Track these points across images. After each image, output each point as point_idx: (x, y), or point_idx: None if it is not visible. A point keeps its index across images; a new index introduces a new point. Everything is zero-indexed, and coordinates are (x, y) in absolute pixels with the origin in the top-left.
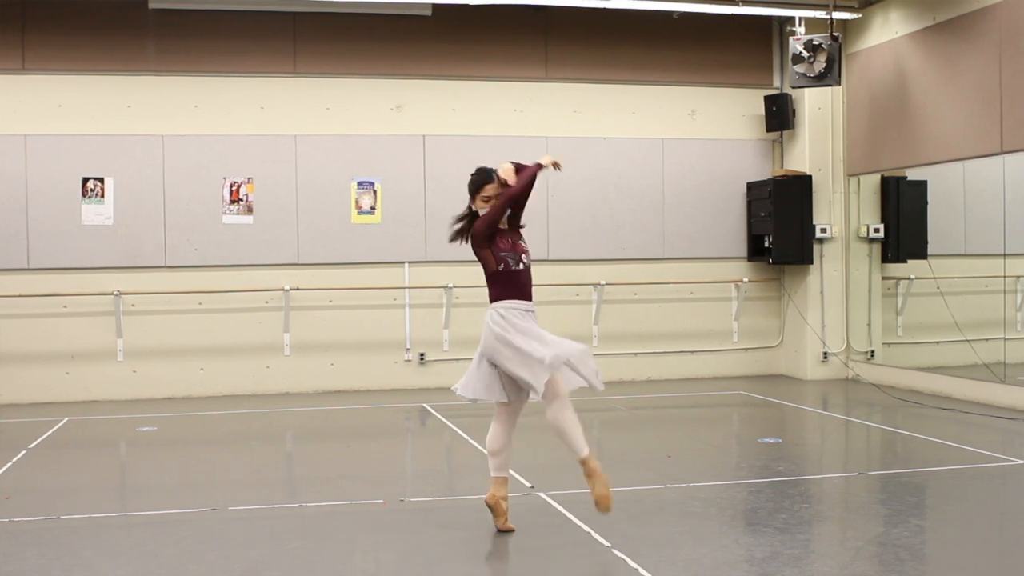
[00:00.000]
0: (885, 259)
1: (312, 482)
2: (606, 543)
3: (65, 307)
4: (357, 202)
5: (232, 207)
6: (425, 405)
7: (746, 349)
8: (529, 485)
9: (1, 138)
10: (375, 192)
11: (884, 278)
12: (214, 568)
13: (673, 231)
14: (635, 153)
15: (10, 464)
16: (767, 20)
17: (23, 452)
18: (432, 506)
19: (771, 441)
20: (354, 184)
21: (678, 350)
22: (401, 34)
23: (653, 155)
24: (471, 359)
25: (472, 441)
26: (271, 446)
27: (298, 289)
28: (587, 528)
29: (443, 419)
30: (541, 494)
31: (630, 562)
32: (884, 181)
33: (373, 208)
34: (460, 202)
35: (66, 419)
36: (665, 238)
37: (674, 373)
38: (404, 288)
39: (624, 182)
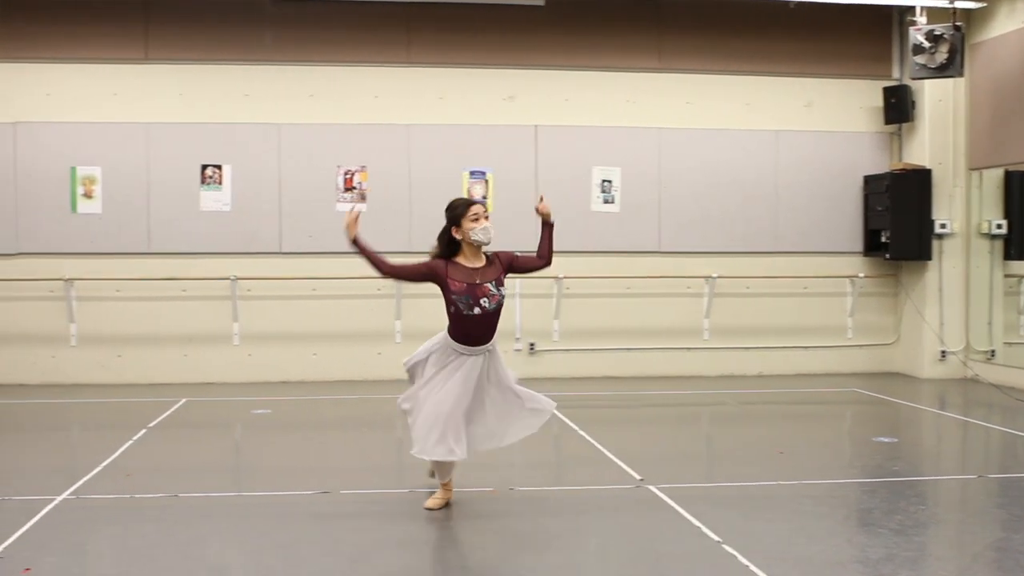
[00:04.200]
0: (1008, 256)
1: (421, 468)
2: (716, 538)
3: (184, 291)
4: (469, 191)
5: (346, 195)
6: None
7: (861, 346)
8: (639, 478)
9: (125, 126)
10: (487, 182)
11: (1006, 276)
12: (325, 549)
13: (786, 225)
14: (748, 145)
15: (131, 442)
16: (886, 9)
17: (143, 431)
18: (540, 496)
19: (886, 440)
20: (466, 174)
21: (790, 345)
22: (514, 24)
23: (767, 147)
24: (581, 350)
25: (582, 432)
26: (381, 432)
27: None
28: (697, 522)
29: (553, 410)
30: (651, 487)
31: (740, 558)
32: (1008, 176)
33: (484, 198)
34: (573, 192)
35: (184, 400)
36: (778, 232)
37: (786, 368)
38: (515, 277)
39: (737, 174)
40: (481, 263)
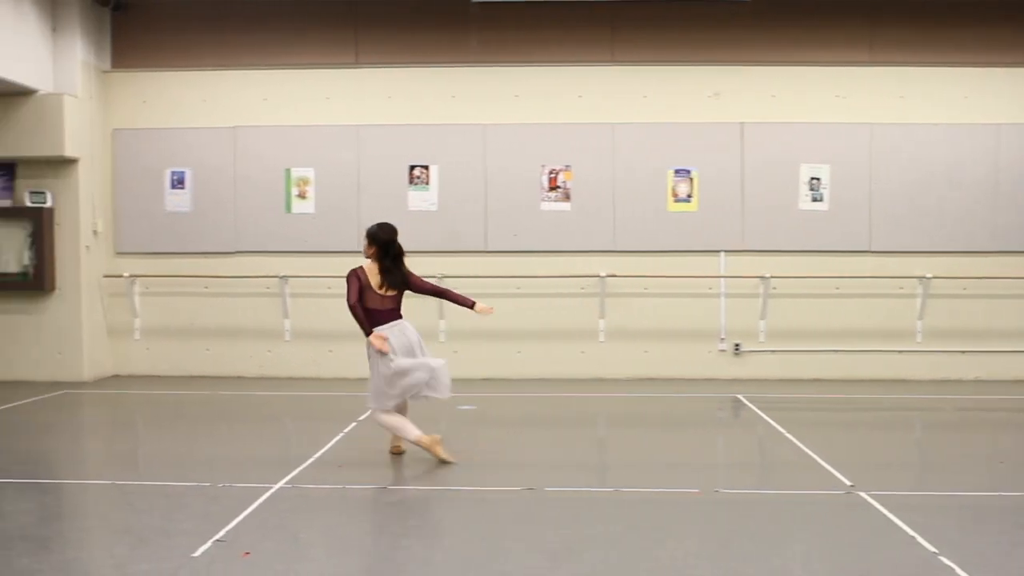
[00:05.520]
0: None
1: (625, 467)
2: (932, 549)
3: None
4: (674, 190)
5: (550, 194)
6: (740, 396)
7: None
8: (849, 483)
9: (337, 128)
10: (691, 180)
11: None
12: (530, 546)
13: (1007, 223)
14: (966, 140)
15: (341, 435)
16: None
17: (353, 424)
18: (746, 499)
19: None
20: (671, 172)
21: (1012, 349)
22: (719, 20)
23: (986, 142)
24: (788, 351)
25: (788, 435)
26: (585, 430)
27: (614, 276)
28: (912, 532)
29: (758, 411)
30: (862, 493)
31: (958, 570)
32: None
33: (690, 196)
34: (780, 190)
35: None
36: (997, 230)
37: (1007, 374)
38: (720, 277)
39: (953, 171)
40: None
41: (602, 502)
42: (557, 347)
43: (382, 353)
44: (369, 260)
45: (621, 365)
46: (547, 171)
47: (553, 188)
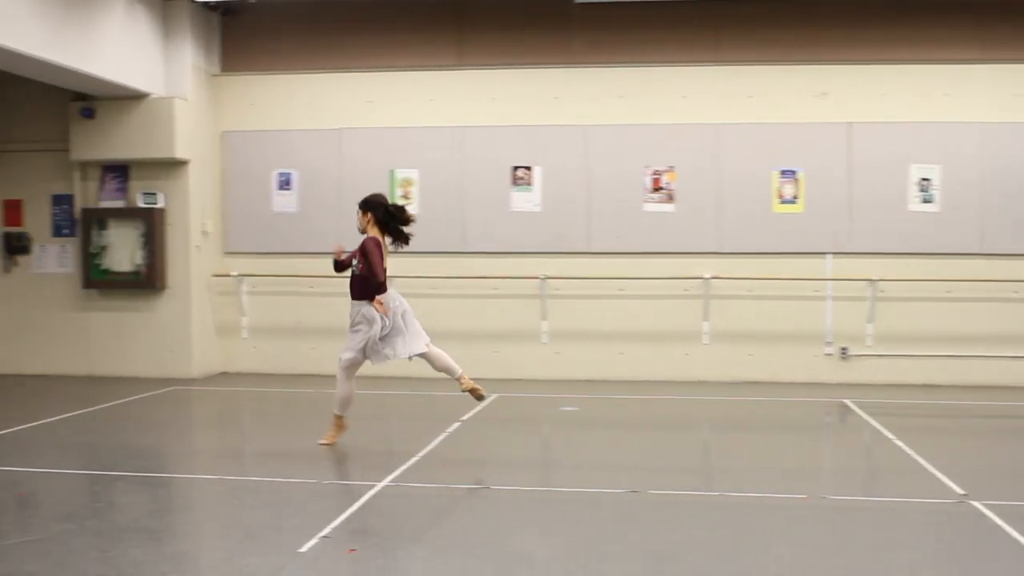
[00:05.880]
0: None
1: (729, 471)
2: None
3: (495, 289)
4: (779, 191)
5: (653, 195)
6: (846, 401)
7: None
8: (961, 492)
9: (440, 130)
10: (797, 181)
11: None
12: (633, 548)
13: None
14: None
15: (445, 434)
16: None
17: (457, 424)
18: (854, 506)
19: None
20: (776, 173)
21: None
22: (826, 18)
23: None
24: (897, 355)
25: (897, 441)
26: (688, 432)
27: (717, 278)
28: None
29: (865, 416)
30: (975, 502)
31: None
32: None
33: (795, 197)
34: (888, 191)
35: (495, 395)
36: None
37: None
38: (826, 280)
39: None
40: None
41: (706, 506)
42: (660, 349)
43: (382, 317)
44: (359, 229)
45: (725, 368)
46: (650, 172)
47: (657, 189)
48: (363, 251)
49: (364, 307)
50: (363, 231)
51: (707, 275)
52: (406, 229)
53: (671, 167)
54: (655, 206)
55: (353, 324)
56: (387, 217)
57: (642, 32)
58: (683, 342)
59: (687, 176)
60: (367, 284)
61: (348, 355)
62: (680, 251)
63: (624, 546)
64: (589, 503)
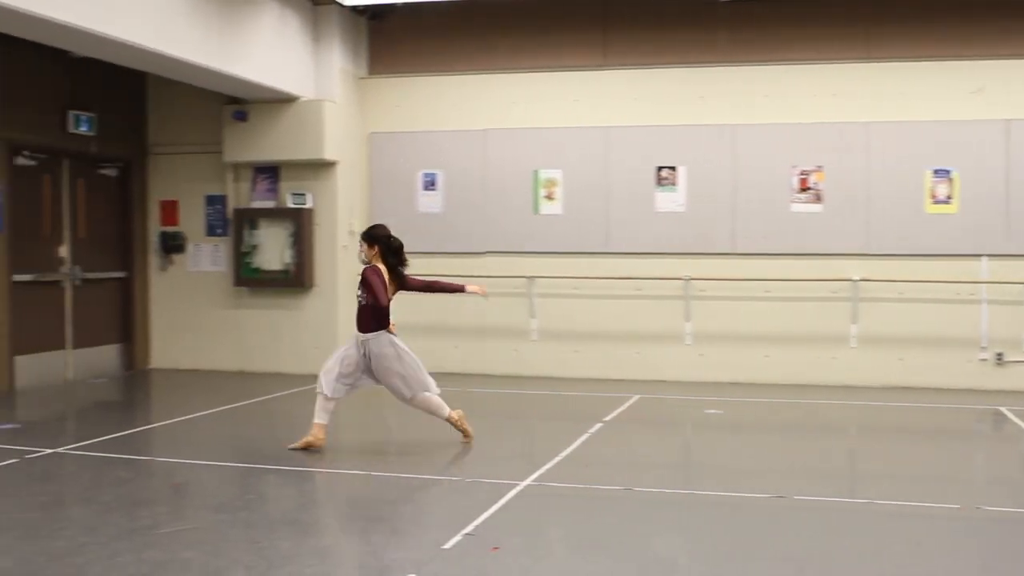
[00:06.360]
0: None
1: (878, 478)
2: None
3: (638, 290)
4: (932, 191)
5: (800, 195)
6: (1001, 408)
7: None
8: None
9: (585, 130)
10: (951, 181)
11: None
12: (777, 554)
13: None
14: None
15: (587, 435)
16: None
17: (599, 425)
18: (1011, 518)
19: None
20: (929, 172)
21: None
22: (982, 11)
23: None
24: None
25: None
26: (835, 438)
27: (867, 280)
28: None
29: (1022, 424)
30: None
31: None
32: None
33: (949, 198)
34: None
35: (637, 396)
36: None
37: None
38: (981, 283)
39: None
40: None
41: (853, 513)
42: (806, 352)
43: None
44: (371, 262)
45: (873, 372)
46: (798, 172)
47: (804, 189)
48: (365, 281)
49: (383, 337)
50: (367, 262)
51: (855, 277)
52: (401, 268)
53: (819, 167)
54: (802, 206)
55: (385, 359)
56: (387, 251)
57: (789, 29)
58: (830, 345)
59: (835, 176)
60: (377, 314)
61: (414, 391)
62: (827, 252)
63: (768, 552)
64: (733, 507)
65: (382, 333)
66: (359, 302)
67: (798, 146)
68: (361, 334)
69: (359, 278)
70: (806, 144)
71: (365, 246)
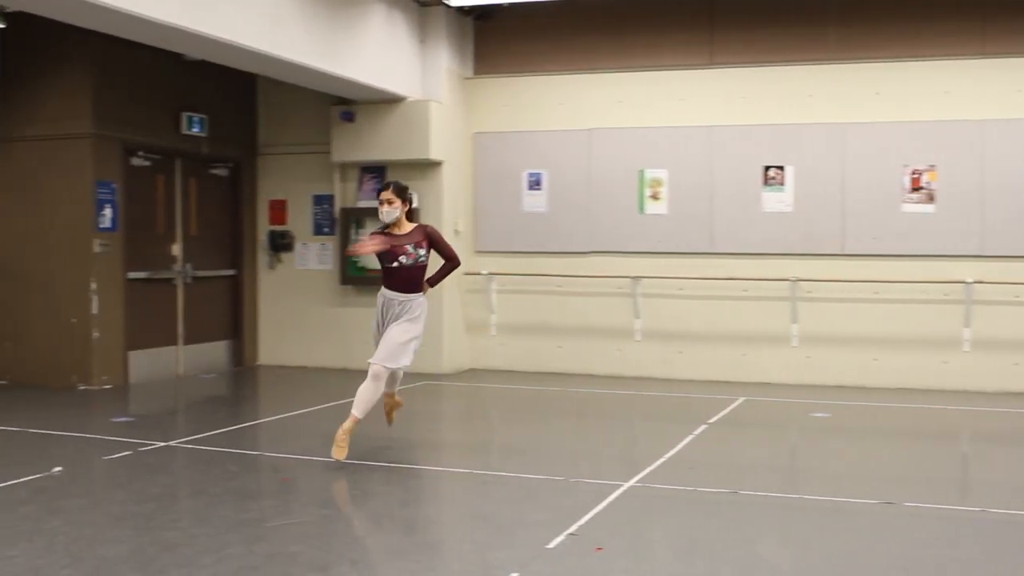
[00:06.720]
0: None
1: (991, 486)
2: None
3: (744, 291)
4: None
5: (912, 195)
6: None
7: None
8: None
9: (690, 129)
10: None
11: None
12: (884, 562)
13: None
14: None
15: (691, 437)
16: None
17: (703, 426)
18: None
19: None
20: None
21: None
22: None
23: None
24: None
25: None
26: (947, 444)
27: (981, 283)
28: None
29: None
30: None
31: None
32: None
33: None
34: None
35: (742, 398)
36: None
37: None
38: None
39: None
40: (404, 231)
41: (965, 522)
42: (917, 356)
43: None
44: (395, 218)
45: (988, 377)
46: (909, 171)
47: (916, 189)
48: (431, 239)
49: (422, 299)
50: (391, 220)
51: (969, 279)
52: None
53: (932, 166)
54: (914, 207)
55: (413, 315)
56: (411, 210)
57: (900, 25)
58: (942, 349)
59: (949, 175)
60: (421, 275)
61: (406, 362)
62: (940, 254)
63: (875, 560)
64: (839, 513)
65: (421, 295)
66: (413, 262)
67: (910, 145)
68: (403, 295)
69: (409, 234)
70: (918, 142)
71: (398, 201)
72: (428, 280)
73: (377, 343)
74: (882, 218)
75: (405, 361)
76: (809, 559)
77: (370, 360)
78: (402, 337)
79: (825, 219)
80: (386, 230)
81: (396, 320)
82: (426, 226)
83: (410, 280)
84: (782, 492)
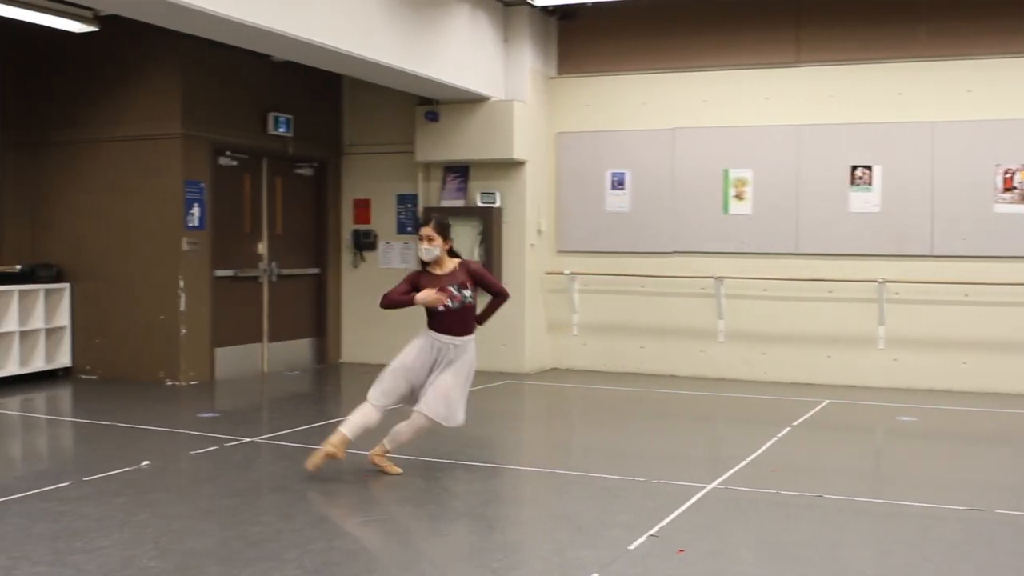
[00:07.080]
0: None
1: None
2: None
3: (830, 292)
4: None
5: (1004, 195)
6: None
7: None
8: None
9: (776, 129)
10: None
11: None
12: (976, 570)
13: None
14: None
15: (775, 439)
16: None
17: (787, 429)
18: None
19: None
20: None
21: None
22: None
23: None
24: None
25: None
26: None
27: None
28: None
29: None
30: None
31: None
32: None
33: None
34: None
35: (827, 401)
36: None
37: None
38: None
39: None
40: (446, 271)
41: None
42: (1009, 359)
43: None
44: (435, 256)
45: None
46: (1002, 171)
47: (1008, 189)
48: (475, 277)
49: (474, 343)
50: (431, 258)
51: None
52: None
53: None
54: (1006, 207)
55: (467, 358)
56: (450, 249)
57: (993, 20)
58: None
59: None
60: (471, 315)
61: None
62: None
63: (963, 568)
64: (928, 519)
65: (471, 339)
66: (460, 303)
67: (1002, 143)
68: (458, 338)
69: (451, 274)
70: (1011, 141)
71: (439, 239)
72: (477, 318)
73: (400, 382)
74: (972, 219)
75: (461, 417)
76: (896, 566)
77: (416, 408)
78: (460, 390)
79: (913, 220)
80: (425, 268)
81: (450, 365)
82: (468, 262)
83: (460, 322)
84: (868, 497)
